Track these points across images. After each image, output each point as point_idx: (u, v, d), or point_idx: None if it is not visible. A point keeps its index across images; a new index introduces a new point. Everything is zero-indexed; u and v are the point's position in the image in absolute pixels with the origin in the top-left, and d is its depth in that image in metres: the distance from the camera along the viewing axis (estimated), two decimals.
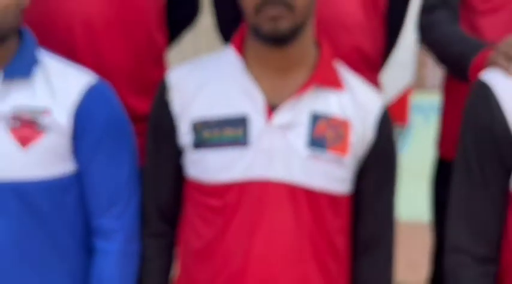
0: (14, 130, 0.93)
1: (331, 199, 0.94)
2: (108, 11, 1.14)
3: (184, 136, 0.96)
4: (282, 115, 0.93)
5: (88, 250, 1.00)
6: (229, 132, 0.93)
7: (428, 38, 1.25)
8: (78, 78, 0.99)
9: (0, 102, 0.93)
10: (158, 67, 1.27)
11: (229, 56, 0.97)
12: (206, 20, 1.48)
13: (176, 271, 1.07)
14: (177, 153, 0.98)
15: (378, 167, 0.98)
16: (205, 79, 0.97)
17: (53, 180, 0.95)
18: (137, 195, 1.02)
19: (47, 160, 0.95)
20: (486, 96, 0.88)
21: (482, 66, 0.96)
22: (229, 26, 1.22)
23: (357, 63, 1.16)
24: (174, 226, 1.03)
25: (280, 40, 0.92)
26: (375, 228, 1.00)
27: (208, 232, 0.95)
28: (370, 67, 1.27)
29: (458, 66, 1.13)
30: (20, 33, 0.98)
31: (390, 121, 1.00)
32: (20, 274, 0.93)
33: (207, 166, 0.94)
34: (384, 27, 1.32)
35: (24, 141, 0.93)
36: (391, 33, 1.35)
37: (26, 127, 0.93)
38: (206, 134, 0.94)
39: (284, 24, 0.90)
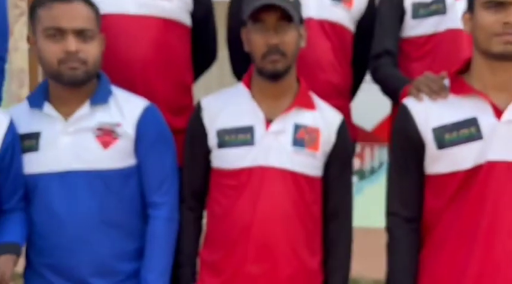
0: (99, 137, 1.39)
1: (308, 179, 1.42)
2: (156, 59, 1.62)
3: (212, 140, 1.44)
4: (276, 126, 1.41)
5: (144, 218, 1.47)
6: (241, 137, 1.41)
7: (375, 77, 1.72)
8: (138, 102, 1.46)
9: (89, 119, 1.40)
10: (187, 96, 1.76)
11: (241, 89, 1.47)
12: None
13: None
14: (206, 152, 1.46)
15: (339, 159, 1.46)
16: (224, 103, 1.46)
17: (123, 169, 1.41)
18: (177, 180, 1.49)
19: (120, 156, 1.41)
20: (405, 113, 1.35)
21: (406, 95, 1.46)
22: (239, 66, 1.72)
23: (329, 92, 1.63)
24: (202, 203, 1.51)
25: (276, 76, 1.41)
26: (338, 201, 1.47)
27: (226, 202, 1.42)
28: (340, 96, 1.73)
29: (394, 96, 1.61)
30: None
31: (347, 129, 1.49)
32: (103, 232, 1.38)
33: (227, 159, 1.42)
34: (351, 67, 1.82)
35: (105, 144, 1.39)
36: (356, 72, 1.85)
37: (107, 135, 1.40)
38: (226, 138, 1.43)
39: (280, 66, 1.39)
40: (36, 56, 1.40)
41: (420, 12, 1.69)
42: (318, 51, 1.66)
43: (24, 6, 3.39)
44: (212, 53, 1.87)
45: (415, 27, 1.70)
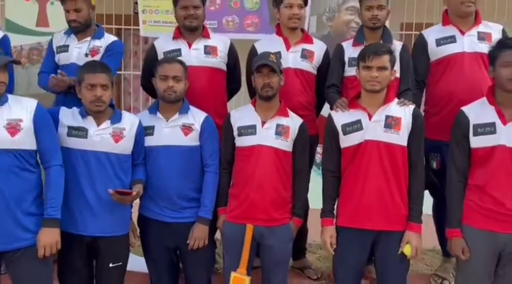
0: (183, 130, 2.76)
1: (284, 153, 2.76)
2: (210, 89, 3.04)
3: (235, 132, 2.83)
4: (267, 125, 2.77)
5: (202, 172, 2.86)
6: (249, 130, 2.77)
7: (326, 98, 3.06)
8: (202, 114, 2.85)
9: (178, 121, 2.76)
10: (224, 108, 3.18)
11: (250, 106, 2.86)
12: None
13: None
14: (232, 138, 2.84)
15: (300, 143, 2.81)
16: (241, 113, 2.85)
17: (194, 146, 2.80)
18: (219, 153, 2.89)
19: (193, 140, 2.79)
20: (330, 117, 2.73)
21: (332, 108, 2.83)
22: (251, 93, 3.13)
23: (299, 107, 3.00)
24: (231, 166, 2.90)
25: (268, 99, 2.79)
26: (299, 164, 2.83)
27: (242, 164, 2.79)
28: (306, 109, 3.08)
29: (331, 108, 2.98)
30: None
31: (305, 127, 2.83)
32: (184, 177, 2.74)
33: (243, 141, 2.79)
34: (315, 93, 3.18)
35: (186, 134, 2.76)
36: (318, 96, 3.20)
37: (187, 129, 2.77)
38: (242, 131, 2.81)
39: (270, 94, 2.77)
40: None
41: (353, 63, 3.02)
42: (293, 85, 3.05)
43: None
44: (238, 85, 3.32)
45: (349, 71, 3.05)
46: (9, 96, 2.43)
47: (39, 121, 2.41)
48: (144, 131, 2.75)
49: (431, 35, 3.08)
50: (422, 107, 3.17)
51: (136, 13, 5.05)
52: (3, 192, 2.30)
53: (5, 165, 2.31)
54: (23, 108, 2.40)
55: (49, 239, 2.37)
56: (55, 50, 3.16)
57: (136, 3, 5.07)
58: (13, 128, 2.32)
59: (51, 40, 3.24)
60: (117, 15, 5.07)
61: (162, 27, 4.70)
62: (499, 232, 2.46)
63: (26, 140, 2.37)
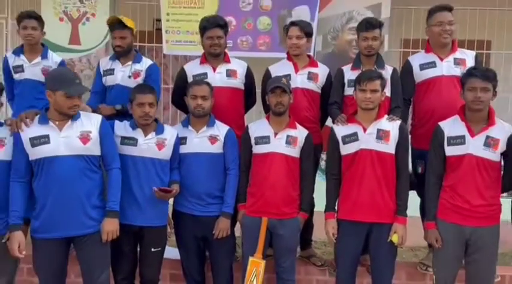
0: (209, 140, 3.36)
1: (293, 158, 3.36)
2: (231, 105, 3.64)
3: (252, 141, 3.41)
4: (278, 136, 3.35)
5: (224, 174, 3.45)
6: (264, 140, 3.37)
7: (329, 114, 3.65)
8: (225, 127, 3.44)
9: (206, 132, 3.38)
10: (242, 120, 3.78)
11: (264, 120, 3.46)
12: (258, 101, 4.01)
13: None
14: (250, 146, 3.42)
15: (306, 151, 3.40)
16: (258, 126, 3.44)
17: (219, 153, 3.38)
18: (238, 159, 3.46)
19: (218, 148, 3.37)
20: (332, 130, 3.33)
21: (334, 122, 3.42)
22: (266, 109, 3.72)
23: (306, 121, 3.59)
24: (249, 169, 3.48)
25: (280, 114, 3.38)
26: (306, 168, 3.41)
27: (258, 167, 3.37)
28: (312, 122, 3.67)
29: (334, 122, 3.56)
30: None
31: (310, 137, 3.42)
32: (212, 177, 3.34)
33: (259, 149, 3.38)
34: (319, 109, 3.78)
35: (212, 143, 3.36)
36: (323, 111, 3.80)
37: (213, 139, 3.36)
38: (258, 141, 3.40)
39: (282, 109, 3.36)
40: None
41: (351, 84, 3.58)
42: (301, 102, 3.64)
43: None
44: (253, 101, 3.93)
45: (348, 91, 3.63)
46: (81, 112, 3.02)
47: (103, 132, 3.00)
48: (179, 141, 3.34)
49: (415, 60, 3.68)
50: (409, 121, 3.76)
51: (158, 29, 5.67)
52: (76, 188, 2.86)
53: (78, 167, 2.88)
54: (91, 122, 2.99)
55: (111, 227, 2.97)
56: (102, 73, 3.78)
57: (158, 20, 5.70)
58: (85, 138, 2.92)
59: (98, 64, 3.86)
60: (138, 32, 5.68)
61: (183, 46, 5.34)
62: (465, 225, 3.03)
63: (93, 147, 2.94)
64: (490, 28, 5.41)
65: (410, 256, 4.22)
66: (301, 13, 5.16)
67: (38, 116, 2.95)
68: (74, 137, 2.89)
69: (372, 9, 5.31)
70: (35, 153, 2.86)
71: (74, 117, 2.93)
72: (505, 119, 3.13)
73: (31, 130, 2.89)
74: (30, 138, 2.86)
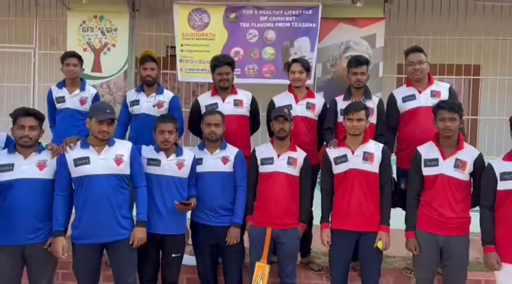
0: (222, 161, 3.90)
1: (293, 177, 3.90)
2: (239, 130, 4.21)
3: (258, 162, 3.97)
4: (281, 157, 3.91)
5: (234, 190, 3.99)
6: (268, 161, 3.92)
7: (323, 138, 4.22)
8: (235, 149, 3.99)
9: (218, 154, 3.92)
10: (248, 142, 4.34)
11: (269, 144, 4.03)
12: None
13: None
14: (256, 166, 3.98)
15: (304, 170, 3.95)
16: (264, 149, 4.00)
17: (229, 172, 3.92)
18: (247, 177, 4.01)
19: (229, 168, 3.92)
20: (326, 153, 3.88)
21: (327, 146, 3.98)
22: (270, 133, 4.29)
23: (304, 144, 4.14)
24: (255, 186, 4.02)
25: (282, 139, 3.94)
26: (304, 186, 3.94)
27: (263, 185, 3.92)
28: (309, 146, 4.22)
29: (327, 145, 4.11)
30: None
31: (308, 159, 3.98)
32: (225, 192, 3.91)
33: (264, 169, 3.94)
34: (316, 133, 4.34)
35: (224, 163, 3.90)
36: (319, 136, 4.36)
37: (225, 160, 3.92)
38: (263, 162, 3.95)
39: (284, 135, 3.93)
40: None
41: (342, 112, 4.12)
42: (300, 128, 4.21)
43: None
44: (257, 125, 4.51)
45: (340, 118, 4.18)
46: (115, 139, 3.60)
47: (133, 156, 3.56)
48: (196, 161, 3.90)
49: (398, 94, 4.25)
50: (396, 144, 4.32)
51: (172, 56, 6.24)
52: (111, 201, 3.41)
53: (113, 184, 3.43)
54: (124, 147, 3.57)
55: (141, 235, 3.52)
56: (128, 104, 4.38)
57: (171, 47, 6.29)
58: (118, 160, 3.48)
59: (125, 97, 4.47)
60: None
61: (196, 73, 5.93)
62: (439, 234, 3.56)
63: (125, 168, 3.50)
64: (476, 56, 5.98)
65: (402, 264, 4.72)
66: (302, 44, 5.78)
67: (80, 141, 3.53)
68: (110, 159, 3.46)
69: (367, 39, 5.91)
70: (77, 172, 3.43)
71: (110, 143, 3.51)
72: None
73: (74, 152, 3.46)
74: (74, 159, 3.44)
